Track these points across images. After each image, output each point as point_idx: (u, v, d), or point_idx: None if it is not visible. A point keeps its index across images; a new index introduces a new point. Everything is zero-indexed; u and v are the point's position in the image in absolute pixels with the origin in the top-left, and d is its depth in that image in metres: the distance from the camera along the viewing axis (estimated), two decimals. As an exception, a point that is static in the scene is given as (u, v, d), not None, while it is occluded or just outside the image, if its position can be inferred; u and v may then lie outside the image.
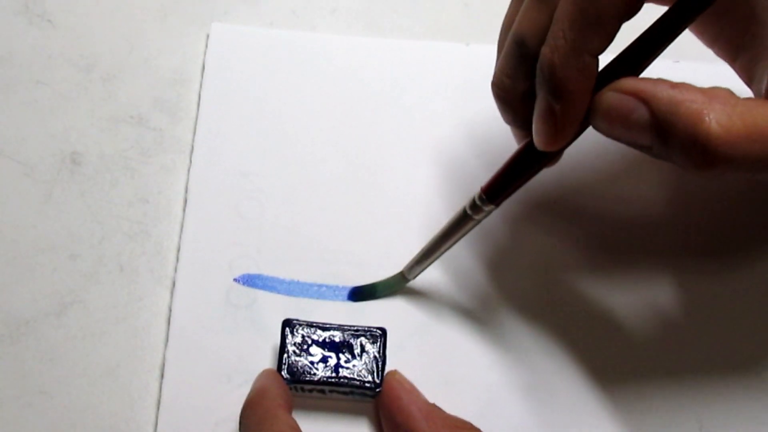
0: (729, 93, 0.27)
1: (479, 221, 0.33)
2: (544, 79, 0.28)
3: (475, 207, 0.33)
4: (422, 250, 0.35)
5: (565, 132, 0.29)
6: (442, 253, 0.35)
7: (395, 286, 0.36)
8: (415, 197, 0.39)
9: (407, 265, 0.36)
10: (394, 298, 0.36)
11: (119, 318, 0.36)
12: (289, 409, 0.32)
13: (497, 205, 0.32)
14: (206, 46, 0.42)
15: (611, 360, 0.36)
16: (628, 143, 0.29)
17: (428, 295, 0.37)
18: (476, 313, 0.36)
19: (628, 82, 0.28)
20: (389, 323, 0.35)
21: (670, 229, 0.38)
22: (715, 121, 0.26)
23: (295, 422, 0.30)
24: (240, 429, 0.31)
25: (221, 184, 0.38)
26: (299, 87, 0.41)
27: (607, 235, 0.38)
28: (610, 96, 0.28)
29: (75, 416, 0.34)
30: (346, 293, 0.37)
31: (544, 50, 0.28)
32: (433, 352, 0.36)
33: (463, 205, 0.33)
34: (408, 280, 0.36)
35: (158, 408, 0.34)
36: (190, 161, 0.39)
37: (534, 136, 0.30)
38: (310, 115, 0.41)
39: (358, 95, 0.41)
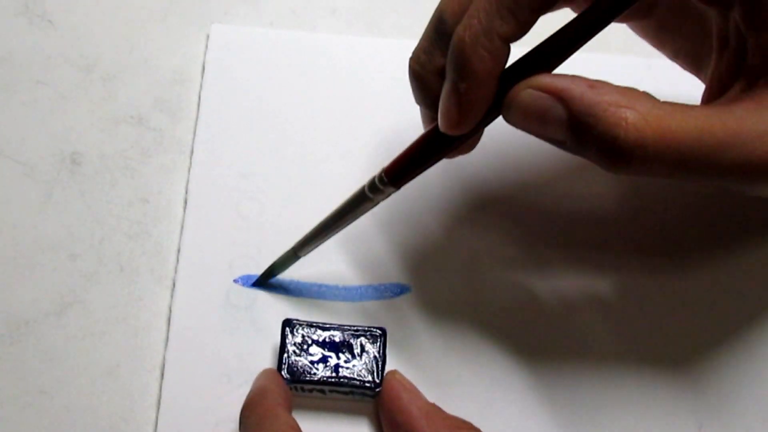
0: (646, 96, 0.27)
1: (377, 203, 0.33)
2: (453, 56, 0.28)
3: (374, 188, 0.32)
4: (315, 228, 0.34)
5: (469, 115, 0.29)
6: (335, 232, 0.34)
7: (287, 263, 0.36)
8: (414, 197, 0.39)
9: (299, 241, 0.35)
10: (395, 299, 0.36)
11: (119, 318, 0.36)
12: (289, 408, 0.32)
13: (398, 188, 0.32)
14: (206, 46, 0.42)
15: (611, 360, 0.36)
16: (541, 138, 0.28)
17: (428, 295, 0.37)
18: (476, 313, 0.36)
19: (544, 80, 0.28)
20: (389, 323, 0.35)
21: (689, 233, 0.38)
22: (630, 123, 0.26)
23: (295, 422, 0.30)
24: (240, 429, 0.31)
25: (221, 184, 0.38)
26: (299, 87, 0.41)
27: (610, 234, 0.38)
28: (526, 94, 0.28)
29: (75, 416, 0.34)
30: (346, 293, 0.37)
31: (458, 29, 0.28)
32: (433, 352, 0.36)
33: (362, 185, 0.32)
34: (299, 257, 0.35)
35: (158, 408, 0.34)
36: (190, 161, 0.39)
37: (439, 117, 0.29)
38: (310, 115, 0.41)
39: (358, 95, 0.41)
